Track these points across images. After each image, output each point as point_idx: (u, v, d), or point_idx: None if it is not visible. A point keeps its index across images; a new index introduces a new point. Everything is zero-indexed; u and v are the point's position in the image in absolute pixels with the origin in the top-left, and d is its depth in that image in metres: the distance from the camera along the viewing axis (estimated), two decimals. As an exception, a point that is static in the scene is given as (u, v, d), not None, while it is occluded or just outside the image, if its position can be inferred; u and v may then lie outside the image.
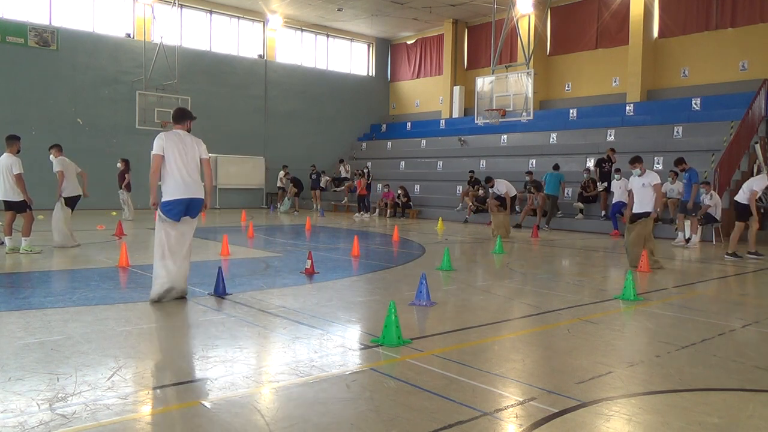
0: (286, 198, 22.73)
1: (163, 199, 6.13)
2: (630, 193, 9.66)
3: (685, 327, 5.63)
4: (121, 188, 17.66)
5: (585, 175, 17.49)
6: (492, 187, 15.74)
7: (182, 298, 6.26)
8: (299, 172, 25.87)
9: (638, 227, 9.27)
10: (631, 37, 20.29)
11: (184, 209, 6.18)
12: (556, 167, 17.10)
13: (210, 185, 6.57)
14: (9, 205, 9.72)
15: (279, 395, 3.66)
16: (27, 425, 3.09)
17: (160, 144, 6.19)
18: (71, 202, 10.53)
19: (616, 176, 15.41)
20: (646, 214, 9.25)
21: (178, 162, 6.20)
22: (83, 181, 10.94)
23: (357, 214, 21.04)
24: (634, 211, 9.36)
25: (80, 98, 21.01)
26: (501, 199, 15.53)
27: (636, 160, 9.47)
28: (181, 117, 6.64)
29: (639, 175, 9.38)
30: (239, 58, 24.92)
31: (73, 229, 10.70)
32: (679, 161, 13.58)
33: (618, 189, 15.16)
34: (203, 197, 6.37)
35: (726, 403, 3.69)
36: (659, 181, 9.35)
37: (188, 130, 6.62)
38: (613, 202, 15.25)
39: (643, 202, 9.27)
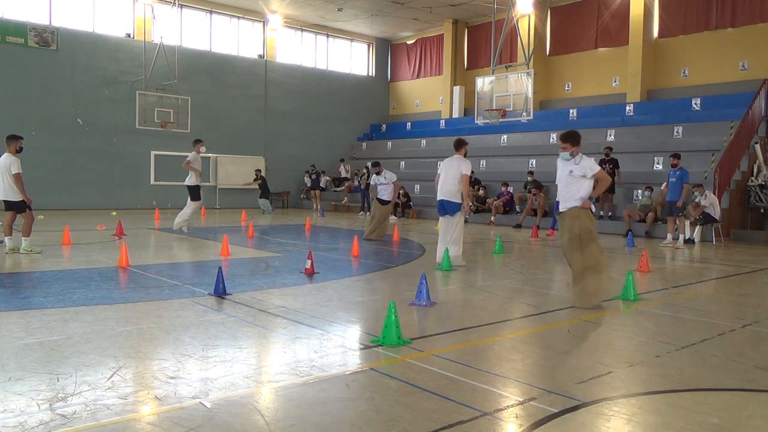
0: (264, 200, 22.02)
1: None
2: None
3: (685, 327, 5.64)
4: None
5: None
6: (379, 173, 12.93)
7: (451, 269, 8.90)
8: (298, 172, 25.95)
9: (567, 227, 6.60)
10: (631, 37, 20.28)
11: (440, 208, 9.27)
12: None
13: (465, 193, 9.07)
14: (9, 205, 9.73)
15: (279, 395, 3.66)
16: (27, 425, 3.09)
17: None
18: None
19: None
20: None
21: (441, 177, 9.22)
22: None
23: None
24: (561, 208, 6.73)
25: (80, 98, 21.01)
26: (384, 202, 13.07)
27: (567, 138, 6.58)
28: (456, 145, 9.37)
29: (567, 159, 6.59)
30: (239, 58, 24.91)
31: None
32: (676, 156, 12.95)
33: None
34: (452, 200, 9.09)
35: (726, 403, 3.69)
36: (597, 170, 6.54)
37: (465, 154, 9.31)
38: (557, 199, 15.02)
39: (570, 194, 6.60)
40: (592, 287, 6.35)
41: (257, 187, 22.46)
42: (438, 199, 9.23)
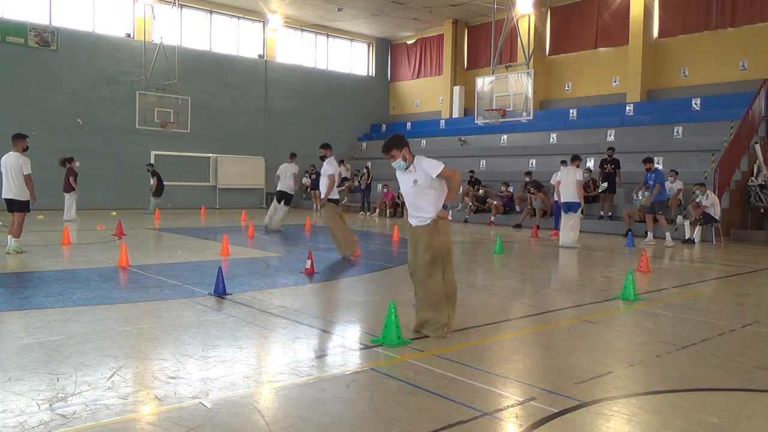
0: (151, 198, 19.72)
1: None
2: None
3: (685, 327, 5.63)
4: (75, 189, 16.07)
5: (586, 174, 17.49)
6: (323, 158, 10.40)
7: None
8: (299, 172, 25.90)
9: (425, 243, 5.19)
10: (631, 37, 20.27)
11: (564, 207, 12.35)
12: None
13: (580, 194, 12.11)
14: (13, 204, 9.64)
15: (279, 395, 3.66)
16: (27, 425, 3.09)
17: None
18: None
19: (562, 167, 15.19)
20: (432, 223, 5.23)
21: (561, 184, 12.37)
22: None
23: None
24: (412, 222, 5.34)
25: (80, 98, 21.01)
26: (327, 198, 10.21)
27: (390, 146, 5.24)
28: (572, 158, 12.36)
29: (404, 168, 5.26)
30: (239, 58, 24.91)
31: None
32: (647, 160, 13.44)
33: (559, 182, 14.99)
34: (573, 200, 12.15)
35: (726, 403, 3.69)
36: (440, 168, 5.15)
37: (578, 165, 12.25)
38: (556, 199, 15.09)
39: (421, 206, 5.24)
40: (449, 316, 5.15)
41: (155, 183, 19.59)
42: (562, 201, 12.32)
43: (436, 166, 5.14)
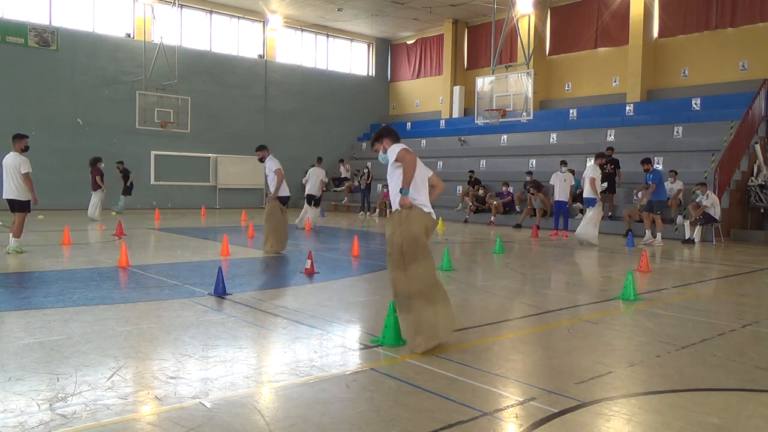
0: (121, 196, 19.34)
1: None
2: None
3: (685, 327, 5.63)
4: (102, 188, 16.63)
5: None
6: (262, 160, 10.55)
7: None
8: (299, 172, 25.86)
9: (388, 237, 4.76)
10: (631, 37, 20.27)
11: (585, 203, 13.20)
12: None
13: (594, 189, 12.69)
14: (14, 204, 9.62)
15: (279, 395, 3.66)
16: (27, 425, 3.09)
17: None
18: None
19: (562, 169, 15.16)
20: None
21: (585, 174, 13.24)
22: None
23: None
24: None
25: (80, 98, 21.00)
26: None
27: (374, 138, 5.14)
28: (596, 156, 13.31)
29: (384, 159, 4.99)
30: (239, 58, 24.91)
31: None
32: (646, 161, 13.68)
33: (560, 183, 14.95)
34: (589, 197, 12.80)
35: (726, 403, 3.69)
36: (397, 150, 4.77)
37: (600, 165, 13.14)
38: (556, 199, 15.15)
39: (392, 195, 4.87)
40: (427, 322, 4.52)
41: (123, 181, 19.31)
42: (584, 197, 12.96)
43: (395, 150, 4.74)
